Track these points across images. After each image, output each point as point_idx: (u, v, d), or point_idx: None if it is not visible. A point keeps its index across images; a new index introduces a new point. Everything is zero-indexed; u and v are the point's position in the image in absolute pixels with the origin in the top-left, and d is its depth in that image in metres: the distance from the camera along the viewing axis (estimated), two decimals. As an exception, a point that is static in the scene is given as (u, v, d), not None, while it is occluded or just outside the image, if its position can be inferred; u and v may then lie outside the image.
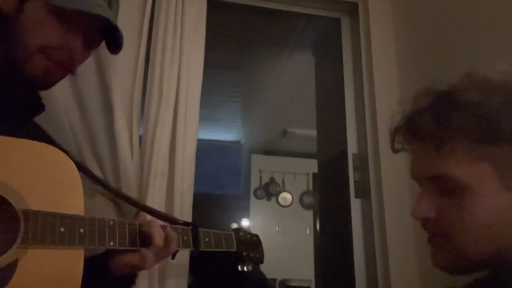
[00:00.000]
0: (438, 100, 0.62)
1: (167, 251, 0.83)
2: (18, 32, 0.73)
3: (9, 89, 0.76)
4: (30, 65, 0.74)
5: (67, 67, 0.79)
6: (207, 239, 0.93)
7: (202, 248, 0.91)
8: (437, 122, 0.60)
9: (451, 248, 0.60)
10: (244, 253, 1.02)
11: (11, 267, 0.62)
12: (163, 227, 0.84)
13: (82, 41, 0.79)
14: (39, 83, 0.78)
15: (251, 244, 1.05)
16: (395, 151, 0.69)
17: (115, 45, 0.87)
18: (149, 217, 1.09)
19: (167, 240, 0.82)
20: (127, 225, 0.79)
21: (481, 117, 0.57)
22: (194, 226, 0.92)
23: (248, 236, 1.05)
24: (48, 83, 0.80)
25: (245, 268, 1.02)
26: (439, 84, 0.64)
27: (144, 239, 0.80)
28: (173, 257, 0.92)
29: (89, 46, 0.83)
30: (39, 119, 0.87)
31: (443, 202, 0.61)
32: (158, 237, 0.80)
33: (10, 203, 0.65)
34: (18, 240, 0.64)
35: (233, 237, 1.00)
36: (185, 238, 0.89)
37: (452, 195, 0.59)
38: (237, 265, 1.02)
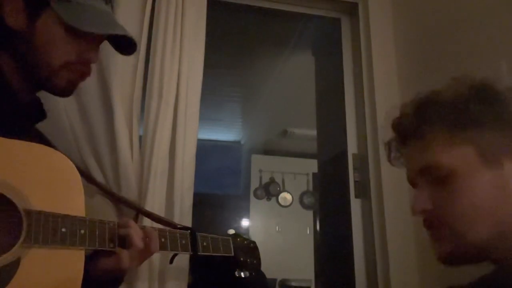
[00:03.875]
0: (419, 102, 0.68)
1: (148, 251, 0.82)
2: (38, 50, 0.76)
3: (13, 97, 0.78)
4: (56, 80, 0.79)
5: (87, 74, 0.84)
6: (205, 243, 0.94)
7: (200, 252, 0.92)
8: (417, 119, 0.67)
9: (450, 235, 0.63)
10: (242, 259, 1.03)
11: (14, 265, 0.63)
12: (142, 227, 0.83)
13: (97, 48, 0.84)
14: (64, 92, 0.82)
15: (248, 250, 1.06)
16: (392, 163, 0.75)
17: (122, 46, 0.89)
18: (148, 221, 1.09)
19: (146, 240, 0.81)
20: (106, 226, 0.77)
21: (452, 106, 0.64)
22: (192, 230, 0.93)
23: (245, 242, 1.06)
24: (72, 91, 0.84)
25: (242, 274, 1.02)
26: (421, 93, 0.70)
27: (122, 240, 0.78)
28: (171, 262, 0.92)
29: (99, 45, 0.86)
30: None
31: (436, 191, 0.64)
32: (136, 238, 0.79)
33: (13, 203, 0.66)
34: (21, 239, 0.65)
35: (231, 242, 1.01)
36: (183, 242, 0.90)
37: (443, 182, 0.63)
38: (234, 270, 1.02)
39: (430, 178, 0.65)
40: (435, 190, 0.64)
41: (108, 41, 0.88)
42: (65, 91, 0.82)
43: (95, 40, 0.83)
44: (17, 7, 0.75)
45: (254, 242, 1.09)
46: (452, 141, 0.63)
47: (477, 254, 0.62)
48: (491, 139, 0.61)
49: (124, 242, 0.79)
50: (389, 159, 0.76)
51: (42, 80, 0.78)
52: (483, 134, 0.62)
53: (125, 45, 0.89)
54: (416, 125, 0.67)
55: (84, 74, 0.83)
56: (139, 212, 1.16)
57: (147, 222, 1.13)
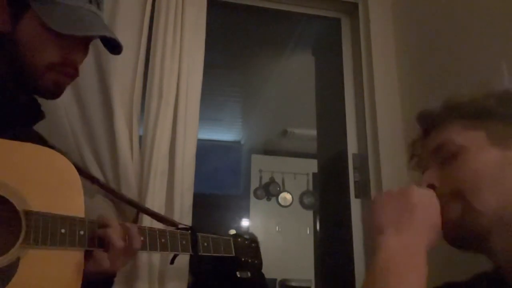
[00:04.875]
0: (444, 100, 0.75)
1: (130, 249, 0.78)
2: (22, 52, 0.75)
3: (10, 98, 0.77)
4: (42, 81, 0.77)
5: (74, 75, 0.83)
6: (205, 244, 0.93)
7: (201, 252, 0.91)
8: (438, 109, 0.74)
9: (457, 207, 0.64)
10: (243, 259, 1.02)
11: (13, 266, 0.63)
12: (122, 224, 0.79)
13: (84, 48, 0.82)
14: (51, 94, 0.81)
15: (249, 250, 1.05)
16: (412, 168, 0.79)
17: (112, 46, 0.88)
18: (148, 220, 1.08)
19: (127, 238, 0.77)
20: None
21: (471, 100, 0.71)
22: (193, 230, 0.92)
23: (246, 242, 1.05)
24: (59, 93, 0.83)
25: (243, 274, 1.02)
26: None
27: (102, 240, 0.75)
28: (172, 262, 0.91)
29: (88, 45, 0.85)
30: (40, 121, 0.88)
31: (444, 170, 0.69)
32: (115, 237, 0.75)
33: (12, 204, 0.66)
34: (20, 239, 0.65)
35: (232, 242, 1.00)
36: (183, 242, 0.89)
37: (453, 160, 0.67)
38: (236, 271, 1.02)
39: (441, 157, 0.69)
40: (443, 169, 0.69)
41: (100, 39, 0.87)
42: (51, 93, 0.80)
43: (81, 40, 0.81)
44: (1, 8, 0.74)
45: (256, 242, 1.08)
46: (467, 126, 0.69)
47: (484, 229, 0.62)
48: (503, 128, 0.67)
49: (104, 242, 0.75)
50: (409, 163, 0.79)
51: (28, 82, 0.77)
52: (496, 123, 0.67)
53: (112, 44, 0.87)
54: (437, 114, 0.73)
55: (70, 76, 0.81)
56: (140, 210, 1.15)
57: (147, 220, 1.13)
